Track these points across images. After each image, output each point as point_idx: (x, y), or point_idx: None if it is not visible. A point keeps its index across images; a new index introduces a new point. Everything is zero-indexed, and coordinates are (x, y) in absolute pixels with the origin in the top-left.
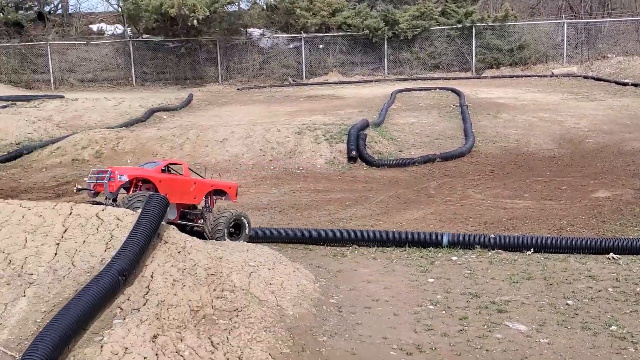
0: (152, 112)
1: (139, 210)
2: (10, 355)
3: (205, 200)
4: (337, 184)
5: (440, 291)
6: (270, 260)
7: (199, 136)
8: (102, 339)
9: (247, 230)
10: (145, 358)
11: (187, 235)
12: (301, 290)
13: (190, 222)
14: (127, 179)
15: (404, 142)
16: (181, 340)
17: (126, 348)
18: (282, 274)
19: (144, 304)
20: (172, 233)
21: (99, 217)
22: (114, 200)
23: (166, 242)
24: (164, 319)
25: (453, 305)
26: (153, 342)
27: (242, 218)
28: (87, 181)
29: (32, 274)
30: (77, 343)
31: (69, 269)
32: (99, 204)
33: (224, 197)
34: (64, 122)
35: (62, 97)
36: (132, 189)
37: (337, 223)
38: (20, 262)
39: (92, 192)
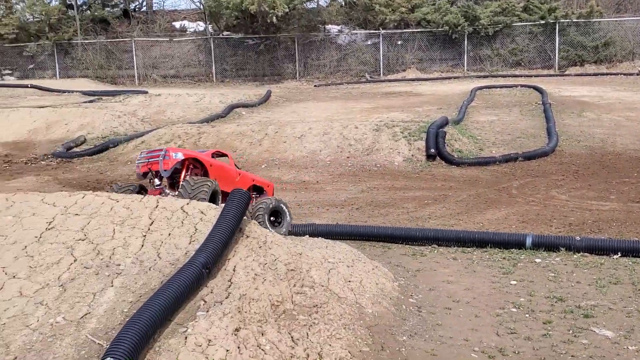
0: (231, 108)
1: (223, 205)
2: (98, 343)
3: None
4: (416, 182)
5: (523, 294)
6: (349, 257)
7: (277, 132)
8: (186, 330)
9: (288, 218)
10: (227, 351)
11: (267, 230)
12: (380, 288)
13: None
14: (183, 157)
15: (484, 140)
16: (262, 334)
17: (209, 340)
18: (361, 272)
19: (227, 297)
20: (254, 228)
21: (183, 211)
22: (161, 179)
23: (248, 236)
24: (246, 312)
25: (537, 308)
26: (235, 335)
27: (282, 205)
28: (137, 162)
29: (119, 265)
30: (162, 333)
31: (155, 260)
32: (139, 192)
33: (259, 196)
34: (148, 116)
35: (146, 92)
36: (184, 170)
37: (415, 222)
38: (108, 252)
39: (140, 174)
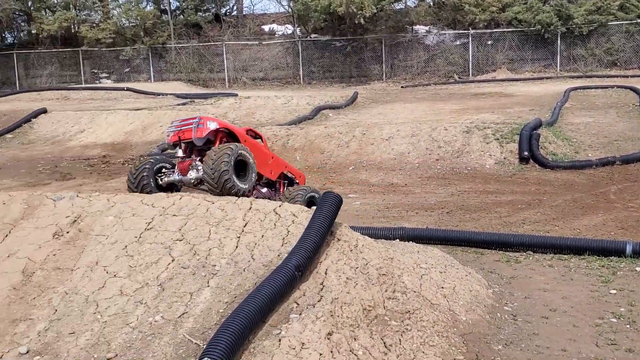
0: (318, 110)
1: (314, 208)
2: (195, 343)
3: (276, 182)
4: (508, 185)
5: (623, 304)
6: (441, 262)
7: (364, 134)
8: (280, 333)
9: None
10: (321, 355)
11: (358, 233)
12: (474, 295)
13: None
14: (218, 127)
15: (580, 143)
16: (355, 339)
17: (303, 343)
18: (454, 278)
19: (319, 300)
20: (345, 231)
21: (276, 213)
22: (191, 151)
23: (339, 239)
24: (338, 316)
25: (638, 319)
26: (328, 339)
27: (316, 195)
28: (167, 130)
29: (215, 265)
30: (256, 335)
31: (249, 261)
32: (162, 171)
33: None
34: (238, 118)
35: (236, 95)
36: (217, 142)
37: (508, 227)
38: (204, 253)
39: (170, 143)
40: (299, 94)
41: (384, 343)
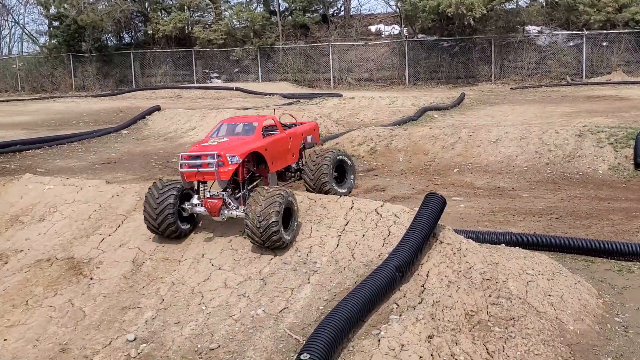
0: (423, 110)
1: (417, 210)
2: (295, 338)
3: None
4: (622, 192)
5: None
6: (549, 270)
7: (470, 136)
8: (379, 333)
9: (352, 177)
10: (420, 357)
11: (462, 237)
12: (583, 304)
13: (289, 179)
14: (240, 160)
15: None
16: (456, 343)
17: (402, 345)
18: (562, 286)
19: (419, 303)
20: (448, 234)
21: (377, 213)
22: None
23: (442, 242)
24: (439, 320)
25: None
26: (428, 342)
27: (345, 158)
28: (181, 162)
29: (315, 263)
30: (355, 334)
31: (349, 260)
32: (185, 195)
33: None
34: (342, 119)
35: (340, 95)
36: (241, 170)
37: (622, 235)
38: (305, 250)
39: (186, 181)
40: (404, 95)
41: (487, 349)
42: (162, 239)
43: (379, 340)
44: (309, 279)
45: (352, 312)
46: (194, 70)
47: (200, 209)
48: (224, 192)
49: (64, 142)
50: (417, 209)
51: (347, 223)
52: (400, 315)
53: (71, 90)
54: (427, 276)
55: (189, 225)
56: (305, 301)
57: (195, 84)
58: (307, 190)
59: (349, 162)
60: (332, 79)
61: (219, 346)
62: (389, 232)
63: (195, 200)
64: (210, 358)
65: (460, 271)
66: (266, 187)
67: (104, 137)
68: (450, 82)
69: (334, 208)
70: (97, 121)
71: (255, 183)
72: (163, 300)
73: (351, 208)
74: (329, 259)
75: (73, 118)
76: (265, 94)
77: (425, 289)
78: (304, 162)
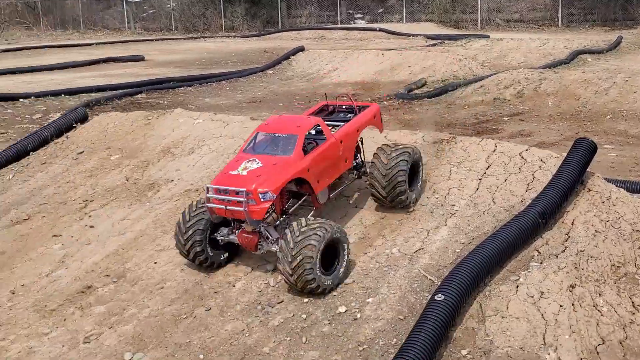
0: (576, 53)
1: (564, 154)
2: (429, 279)
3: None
4: None
5: None
6: None
7: (627, 81)
8: (518, 279)
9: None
10: (561, 306)
11: (612, 185)
12: None
13: (343, 185)
14: (274, 196)
15: None
16: (599, 294)
17: (542, 292)
18: None
19: (562, 251)
20: (597, 182)
21: (522, 157)
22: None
23: (590, 190)
24: (582, 269)
25: None
26: (570, 291)
27: (419, 157)
28: (207, 195)
29: (453, 205)
30: (493, 279)
31: (489, 204)
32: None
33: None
34: (488, 61)
35: (488, 37)
36: (279, 197)
37: None
38: (443, 192)
39: (214, 216)
40: (555, 37)
41: (632, 303)
42: None
43: (517, 286)
44: (445, 222)
45: (490, 256)
46: (338, 11)
47: (231, 238)
48: (260, 225)
49: (214, 80)
50: (564, 154)
51: (488, 166)
52: (541, 263)
53: (221, 31)
54: (573, 224)
55: (226, 254)
56: (442, 243)
57: (339, 25)
58: (374, 198)
59: (421, 162)
60: (479, 19)
61: (354, 281)
62: (534, 177)
63: (226, 230)
64: (344, 292)
65: (608, 221)
66: (304, 220)
67: (250, 77)
68: (607, 24)
69: (475, 150)
70: (244, 61)
71: (303, 199)
72: None
73: (494, 151)
74: (467, 202)
75: (222, 57)
76: (409, 35)
77: (569, 237)
78: (362, 159)
